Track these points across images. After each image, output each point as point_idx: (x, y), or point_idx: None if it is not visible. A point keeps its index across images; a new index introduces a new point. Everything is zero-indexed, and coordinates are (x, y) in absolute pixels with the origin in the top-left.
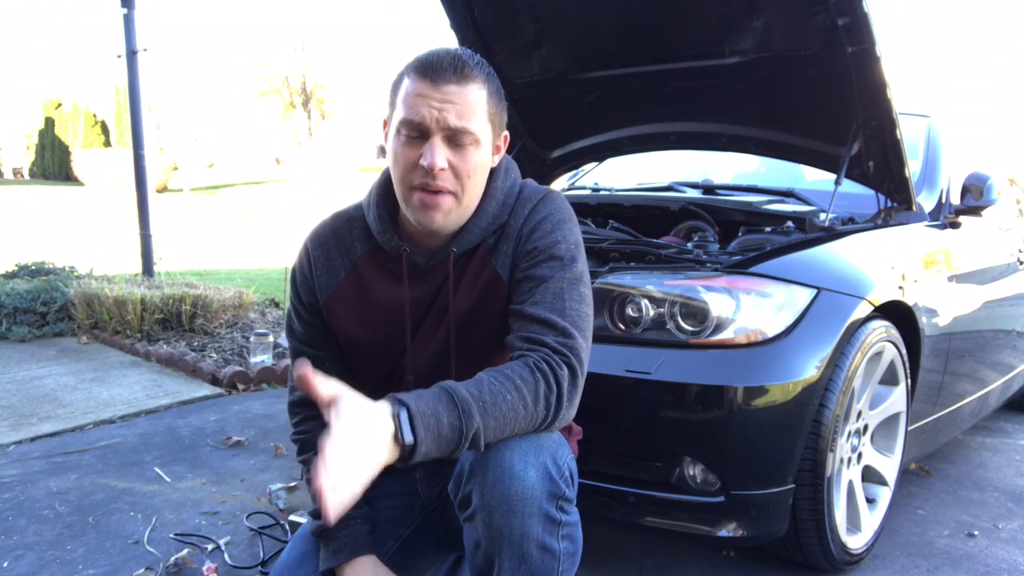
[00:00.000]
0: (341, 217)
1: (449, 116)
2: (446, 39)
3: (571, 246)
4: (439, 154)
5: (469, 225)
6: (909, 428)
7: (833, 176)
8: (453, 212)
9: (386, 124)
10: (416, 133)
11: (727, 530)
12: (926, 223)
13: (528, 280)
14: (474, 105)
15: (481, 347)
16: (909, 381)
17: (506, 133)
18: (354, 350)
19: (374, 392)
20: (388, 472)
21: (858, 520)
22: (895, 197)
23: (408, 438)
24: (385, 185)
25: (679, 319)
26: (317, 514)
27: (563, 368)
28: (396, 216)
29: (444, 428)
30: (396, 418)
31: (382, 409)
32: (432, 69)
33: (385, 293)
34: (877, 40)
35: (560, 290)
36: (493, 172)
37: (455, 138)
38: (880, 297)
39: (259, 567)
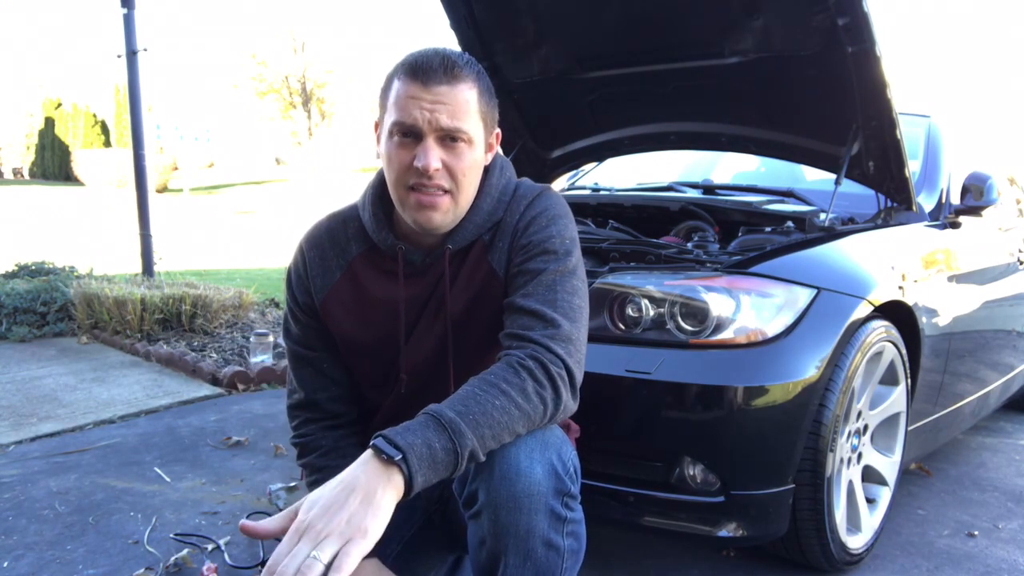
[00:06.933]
0: (336, 218)
1: (441, 117)
2: (446, 39)
3: (565, 241)
4: (433, 155)
5: (464, 222)
6: (909, 428)
7: (833, 176)
8: (450, 211)
9: (377, 127)
10: (409, 135)
11: (727, 530)
12: (926, 223)
13: (522, 274)
14: (465, 104)
15: (478, 344)
16: (909, 381)
17: (498, 131)
18: (351, 350)
19: (372, 391)
20: None
21: (858, 520)
22: (895, 197)
23: (406, 485)
24: (380, 185)
25: (679, 319)
26: None
27: (555, 362)
28: (391, 215)
29: (438, 454)
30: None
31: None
32: (422, 70)
33: (381, 292)
34: (877, 40)
35: (552, 282)
36: (487, 170)
37: (448, 138)
38: (880, 297)
39: (259, 567)
